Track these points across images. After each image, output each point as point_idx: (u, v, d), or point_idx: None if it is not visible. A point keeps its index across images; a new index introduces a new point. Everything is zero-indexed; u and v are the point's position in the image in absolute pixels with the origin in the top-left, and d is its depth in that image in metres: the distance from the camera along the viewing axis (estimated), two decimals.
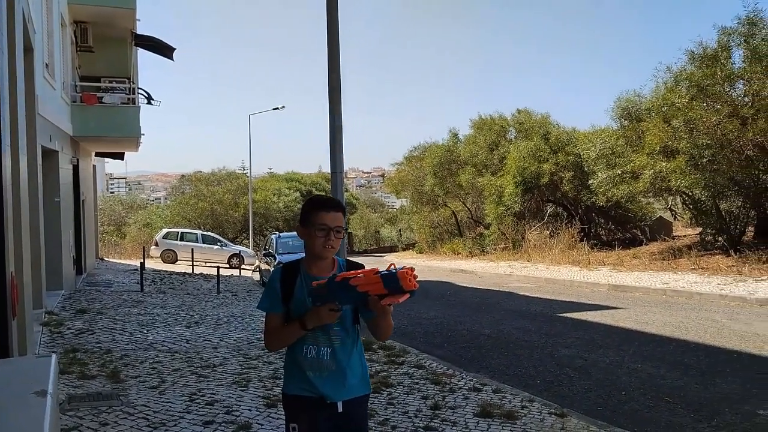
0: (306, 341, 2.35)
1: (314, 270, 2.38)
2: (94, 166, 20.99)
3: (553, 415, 4.92)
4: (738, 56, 14.85)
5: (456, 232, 30.85)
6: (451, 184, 28.72)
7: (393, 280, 2.06)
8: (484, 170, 26.46)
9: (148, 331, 8.75)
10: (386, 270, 2.10)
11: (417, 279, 2.07)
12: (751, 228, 16.97)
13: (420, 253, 31.27)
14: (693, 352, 7.30)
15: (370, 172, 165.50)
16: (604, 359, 7.12)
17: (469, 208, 30.17)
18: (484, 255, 24.86)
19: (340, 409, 2.33)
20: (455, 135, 30.49)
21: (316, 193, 43.30)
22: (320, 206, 2.37)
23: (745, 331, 8.38)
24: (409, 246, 36.62)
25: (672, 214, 24.50)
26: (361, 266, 2.39)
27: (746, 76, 14.46)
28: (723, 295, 11.48)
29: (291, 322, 2.34)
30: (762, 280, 12.60)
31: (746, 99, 14.60)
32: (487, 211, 25.87)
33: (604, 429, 4.62)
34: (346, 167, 10.22)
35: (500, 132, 27.55)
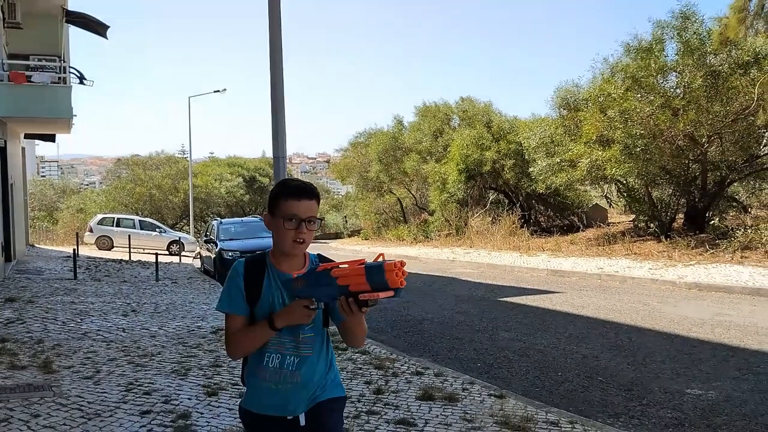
0: (268, 348, 2.03)
1: (284, 266, 2.06)
2: (24, 148, 20.00)
3: (492, 397, 5.03)
4: (671, 49, 15.44)
5: (401, 218, 31.06)
6: (396, 171, 28.87)
7: (377, 273, 1.74)
8: (428, 157, 26.70)
9: (82, 320, 8.44)
10: (374, 261, 1.78)
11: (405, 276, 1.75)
12: (681, 215, 17.76)
13: (365, 239, 31.35)
14: (625, 334, 7.60)
15: (315, 158, 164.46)
16: (542, 342, 7.33)
17: (413, 195, 30.40)
18: (428, 241, 25.13)
19: (303, 422, 2.04)
20: (400, 122, 30.64)
21: (260, 178, 42.72)
22: (289, 193, 2.03)
23: (674, 314, 8.79)
24: (354, 232, 36.66)
25: (607, 202, 25.42)
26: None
27: (678, 69, 15.06)
28: (654, 280, 11.99)
29: (257, 322, 2.02)
30: (690, 264, 13.22)
31: (678, 91, 15.21)
32: (432, 198, 26.15)
33: (540, 409, 4.76)
34: (290, 152, 10.12)
35: (444, 119, 27.83)
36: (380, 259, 1.77)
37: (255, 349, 2.04)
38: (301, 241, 2.02)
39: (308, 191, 2.05)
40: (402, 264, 1.74)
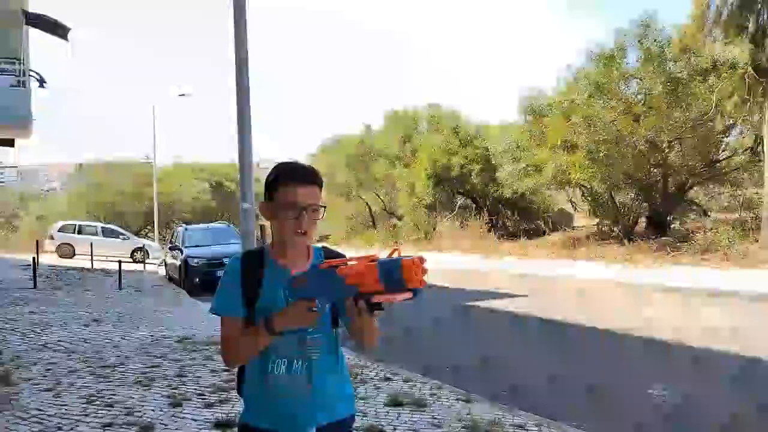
0: (272, 353, 1.79)
1: (285, 260, 1.83)
2: None
3: (460, 402, 5.05)
4: (633, 56, 15.81)
5: (370, 223, 31.05)
6: (364, 176, 28.88)
7: (393, 271, 1.50)
8: (397, 162, 26.78)
9: (42, 330, 8.23)
10: (388, 258, 1.55)
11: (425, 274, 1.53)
12: (643, 219, 18.15)
13: (334, 245, 31.27)
14: (589, 336, 7.72)
15: None
16: (508, 345, 7.40)
17: (382, 200, 30.44)
18: (397, 246, 25.19)
19: None
20: (368, 127, 30.68)
21: (227, 183, 42.25)
22: (287, 178, 1.79)
23: (636, 316, 8.97)
24: (323, 237, 36.49)
25: (572, 206, 25.81)
26: (343, 256, 1.83)
27: (639, 76, 15.42)
28: (617, 283, 12.22)
29: (256, 325, 1.77)
30: (652, 267, 13.51)
31: (639, 97, 15.58)
32: (400, 203, 26.23)
33: (507, 412, 4.80)
34: (257, 157, 9.99)
35: (412, 125, 27.96)
36: (395, 255, 1.53)
37: (254, 355, 1.80)
38: (303, 232, 1.79)
39: (309, 175, 1.83)
40: (422, 261, 1.51)
